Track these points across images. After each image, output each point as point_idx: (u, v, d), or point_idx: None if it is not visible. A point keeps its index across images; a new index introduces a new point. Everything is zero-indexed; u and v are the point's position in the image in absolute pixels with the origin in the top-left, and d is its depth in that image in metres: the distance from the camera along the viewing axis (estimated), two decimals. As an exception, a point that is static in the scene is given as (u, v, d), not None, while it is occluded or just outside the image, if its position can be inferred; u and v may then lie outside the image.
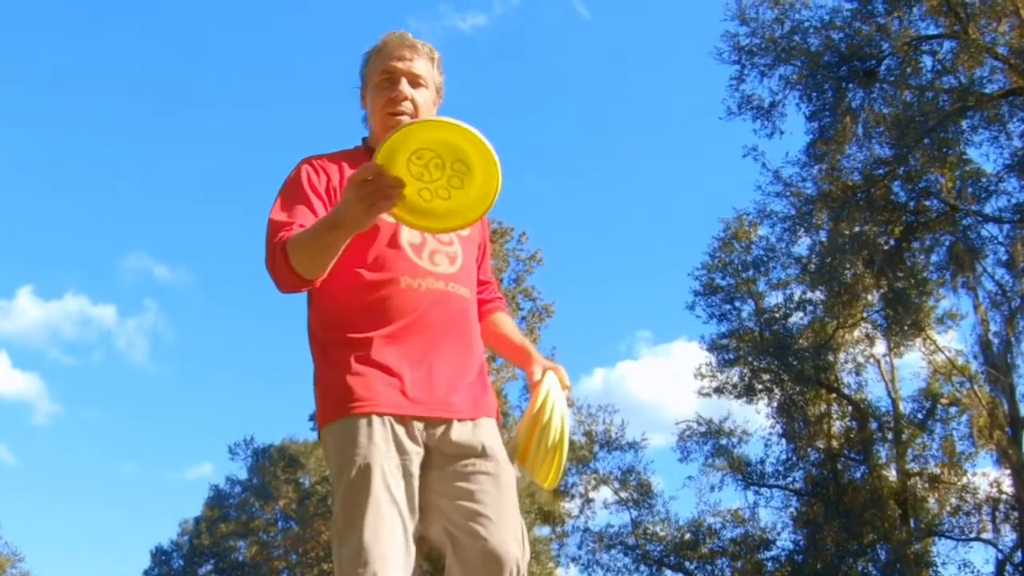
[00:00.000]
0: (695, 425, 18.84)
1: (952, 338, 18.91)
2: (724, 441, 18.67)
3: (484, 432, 2.07)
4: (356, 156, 2.19)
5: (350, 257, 2.01)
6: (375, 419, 1.96)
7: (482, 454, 2.04)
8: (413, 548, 1.94)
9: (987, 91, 14.14)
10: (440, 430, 2.02)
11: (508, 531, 2.01)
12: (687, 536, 19.35)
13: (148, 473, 39.11)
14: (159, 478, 39.18)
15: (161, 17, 36.62)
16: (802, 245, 16.63)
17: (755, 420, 29.35)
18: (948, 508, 17.39)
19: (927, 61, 14.79)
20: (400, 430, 1.97)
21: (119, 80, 37.26)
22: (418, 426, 2.00)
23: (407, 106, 2.15)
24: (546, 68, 36.03)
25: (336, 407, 2.00)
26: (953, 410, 17.59)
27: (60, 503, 38.97)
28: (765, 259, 17.16)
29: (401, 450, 1.96)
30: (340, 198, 1.92)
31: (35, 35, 37.01)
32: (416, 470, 1.98)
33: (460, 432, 2.04)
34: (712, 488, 18.90)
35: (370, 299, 2.05)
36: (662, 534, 19.58)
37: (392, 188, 1.77)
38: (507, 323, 2.37)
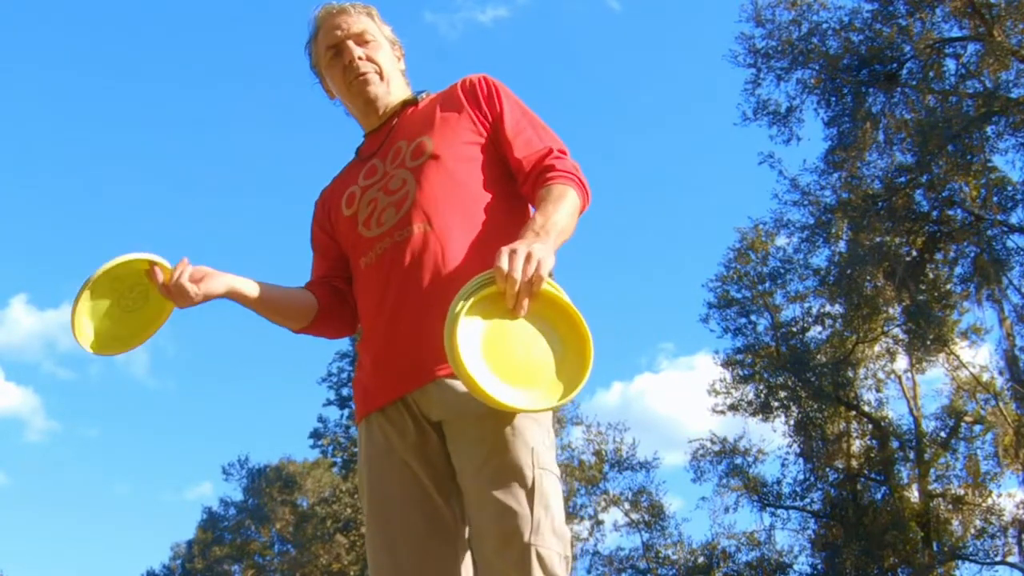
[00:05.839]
0: (708, 444, 18.42)
1: (977, 353, 18.54)
2: (739, 460, 18.38)
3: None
4: (351, 161, 2.10)
5: None
6: (363, 424, 1.90)
7: (468, 415, 1.76)
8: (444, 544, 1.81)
9: (1013, 96, 13.82)
10: (428, 400, 1.82)
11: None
12: (700, 560, 19.14)
13: (144, 493, 38.44)
14: (155, 498, 38.51)
15: (169, 27, 36.34)
16: (820, 256, 16.34)
17: (771, 438, 29.21)
18: (972, 530, 17.03)
19: (950, 64, 14.60)
20: (391, 423, 1.84)
21: (122, 79, 36.89)
22: (408, 408, 1.83)
23: (368, 65, 2.04)
24: (571, 66, 35.15)
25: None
26: (978, 428, 17.27)
27: (51, 524, 38.25)
28: (782, 270, 16.94)
29: (392, 445, 1.84)
30: (337, 204, 2.02)
31: (32, 34, 36.66)
32: (419, 457, 1.82)
33: (450, 398, 1.79)
34: (726, 509, 18.60)
35: (353, 299, 2.00)
36: (674, 557, 19.42)
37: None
38: (538, 206, 1.83)
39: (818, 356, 16.89)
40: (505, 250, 1.63)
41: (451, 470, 1.82)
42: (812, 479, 17.88)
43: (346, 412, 21.71)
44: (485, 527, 1.71)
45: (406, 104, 2.07)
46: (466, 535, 1.84)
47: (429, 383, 1.80)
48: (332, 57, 2.05)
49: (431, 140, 1.94)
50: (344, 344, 22.73)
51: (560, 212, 1.77)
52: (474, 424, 1.74)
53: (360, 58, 2.02)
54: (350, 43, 2.03)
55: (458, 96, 2.01)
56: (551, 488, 1.74)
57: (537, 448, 1.75)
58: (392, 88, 2.06)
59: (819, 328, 17.12)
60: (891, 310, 16.24)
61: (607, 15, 32.19)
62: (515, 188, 1.95)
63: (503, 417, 1.71)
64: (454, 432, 1.79)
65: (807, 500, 18.05)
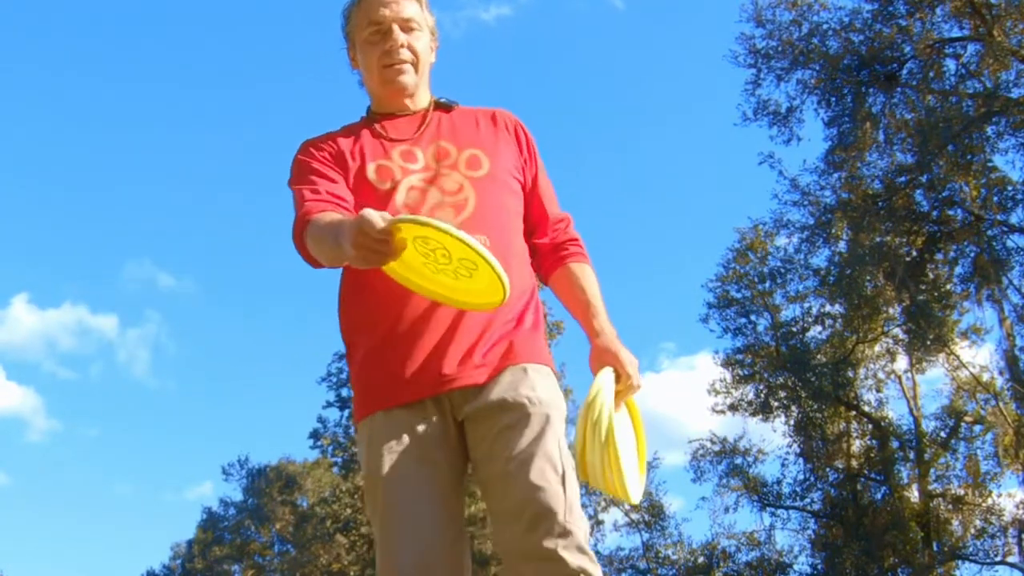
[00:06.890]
0: (708, 444, 18.41)
1: (977, 353, 18.49)
2: (739, 460, 18.33)
3: (512, 383, 1.85)
4: (359, 128, 2.05)
5: None
6: (380, 416, 1.87)
7: (506, 406, 1.83)
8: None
9: (1013, 96, 13.83)
10: (464, 400, 1.86)
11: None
12: (700, 560, 19.11)
13: (144, 493, 38.39)
14: (156, 498, 38.46)
15: (166, 20, 36.29)
16: (820, 256, 16.38)
17: (771, 438, 29.20)
18: (972, 530, 17.07)
19: (951, 64, 14.59)
20: (414, 417, 1.85)
21: (122, 79, 36.79)
22: (439, 405, 1.86)
23: (406, 54, 2.02)
24: (573, 65, 34.93)
25: (356, 411, 1.94)
26: (977, 428, 17.29)
27: (51, 524, 38.21)
28: (782, 271, 16.92)
29: (414, 437, 1.84)
30: (355, 161, 1.95)
31: (35, 32, 36.62)
32: (443, 453, 1.85)
33: (486, 394, 1.84)
34: (726, 509, 18.64)
35: (371, 282, 1.89)
36: (674, 558, 19.39)
37: (385, 250, 1.66)
38: (571, 283, 2.05)
39: (818, 356, 16.92)
40: (634, 362, 1.98)
41: (463, 467, 1.87)
42: (812, 479, 17.90)
43: (346, 412, 21.68)
44: (517, 507, 1.74)
45: (438, 106, 2.07)
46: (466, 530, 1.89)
47: (472, 386, 1.84)
48: (373, 34, 2.02)
49: (487, 159, 1.99)
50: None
51: (602, 303, 2.06)
52: (510, 412, 1.81)
53: (403, 46, 2.00)
54: (396, 28, 2.01)
55: (504, 129, 2.08)
56: (573, 480, 1.84)
57: (562, 443, 1.84)
58: (423, 80, 2.06)
59: (819, 328, 17.18)
60: (891, 310, 16.26)
61: (610, 14, 32.06)
62: (526, 229, 2.05)
63: (540, 410, 1.83)
64: (487, 423, 1.82)
65: (807, 500, 18.08)
